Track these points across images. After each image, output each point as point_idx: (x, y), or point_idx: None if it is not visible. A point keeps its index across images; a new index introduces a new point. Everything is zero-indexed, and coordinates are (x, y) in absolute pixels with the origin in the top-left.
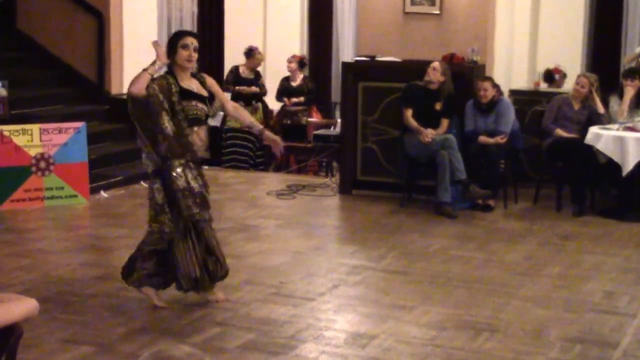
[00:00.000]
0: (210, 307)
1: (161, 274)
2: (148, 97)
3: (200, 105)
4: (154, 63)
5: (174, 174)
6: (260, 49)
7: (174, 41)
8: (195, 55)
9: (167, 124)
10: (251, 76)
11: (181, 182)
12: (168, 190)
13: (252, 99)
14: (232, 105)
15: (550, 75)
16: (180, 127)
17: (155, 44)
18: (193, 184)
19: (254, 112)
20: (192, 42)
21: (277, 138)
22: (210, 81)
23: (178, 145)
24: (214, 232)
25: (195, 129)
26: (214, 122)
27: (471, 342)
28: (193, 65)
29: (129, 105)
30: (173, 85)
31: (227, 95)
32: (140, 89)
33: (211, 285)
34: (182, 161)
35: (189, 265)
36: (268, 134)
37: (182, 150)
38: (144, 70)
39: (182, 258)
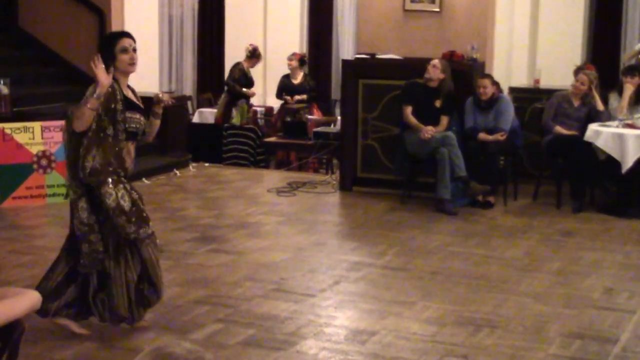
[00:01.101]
0: (211, 304)
1: (78, 303)
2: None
3: (142, 119)
4: (94, 92)
5: (103, 191)
6: (261, 46)
7: (109, 46)
8: (136, 57)
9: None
10: (250, 74)
11: (111, 201)
12: (97, 208)
13: (239, 98)
14: None
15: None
16: (117, 140)
17: (93, 62)
18: (122, 202)
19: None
20: (130, 44)
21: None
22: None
23: (106, 163)
24: (155, 248)
25: (130, 143)
26: (205, 119)
27: (471, 338)
28: (134, 70)
29: (65, 134)
30: (118, 92)
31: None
32: (85, 126)
33: (143, 314)
34: (114, 177)
35: (122, 301)
36: (156, 108)
37: (112, 168)
38: (85, 104)
39: (116, 291)
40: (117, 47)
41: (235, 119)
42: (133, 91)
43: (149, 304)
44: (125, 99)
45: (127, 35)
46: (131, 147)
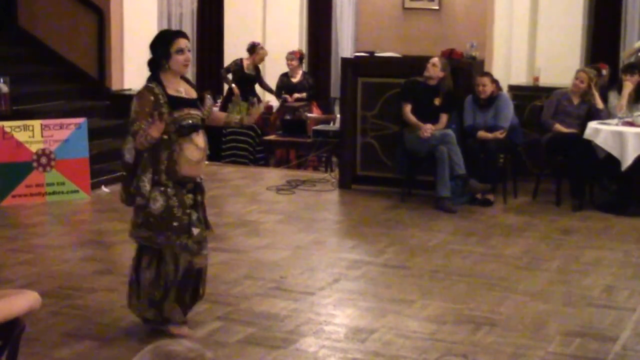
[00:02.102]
0: (210, 302)
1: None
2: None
3: (193, 111)
4: (143, 135)
5: (147, 196)
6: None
7: (166, 44)
8: (190, 57)
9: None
10: (253, 72)
11: (139, 200)
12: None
13: (248, 95)
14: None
15: (598, 70)
16: (169, 142)
17: (153, 117)
18: (152, 204)
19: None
20: (186, 44)
21: (255, 114)
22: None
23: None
24: (175, 262)
25: (193, 136)
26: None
27: (471, 336)
28: (187, 70)
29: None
30: (160, 96)
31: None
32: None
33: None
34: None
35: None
36: (250, 117)
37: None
38: (136, 139)
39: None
40: (174, 47)
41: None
42: (188, 81)
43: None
44: (170, 99)
45: (184, 35)
46: (197, 138)
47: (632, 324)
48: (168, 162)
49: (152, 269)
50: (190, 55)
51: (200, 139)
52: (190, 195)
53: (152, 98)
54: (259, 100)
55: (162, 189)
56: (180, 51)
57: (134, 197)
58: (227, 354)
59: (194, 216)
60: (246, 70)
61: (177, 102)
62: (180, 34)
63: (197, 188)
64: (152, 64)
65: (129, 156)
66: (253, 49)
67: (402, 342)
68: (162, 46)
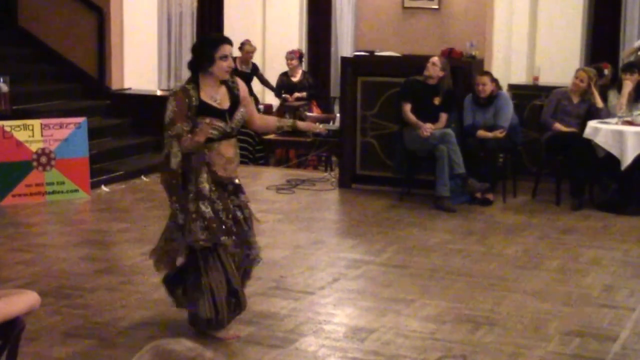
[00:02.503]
0: None
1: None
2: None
3: (216, 122)
4: (189, 139)
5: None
6: (259, 44)
7: (211, 49)
8: (232, 64)
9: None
10: (247, 70)
11: (191, 206)
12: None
13: None
14: (258, 117)
15: (600, 70)
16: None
17: (202, 130)
18: (204, 208)
19: None
20: (230, 51)
21: (309, 124)
22: (243, 87)
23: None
24: (232, 260)
25: (215, 145)
26: None
27: (470, 335)
28: (228, 76)
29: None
30: (194, 99)
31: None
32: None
33: (226, 324)
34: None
35: (200, 305)
36: (300, 124)
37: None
38: (182, 143)
39: (194, 295)
40: (219, 52)
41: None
42: (229, 87)
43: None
44: (200, 104)
45: (229, 41)
46: (221, 147)
47: (631, 323)
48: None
49: (215, 270)
50: (232, 62)
51: (222, 147)
52: (232, 197)
53: (186, 100)
54: (257, 102)
55: (202, 194)
56: (225, 57)
57: (191, 201)
58: (226, 354)
59: (239, 215)
60: (238, 68)
61: (205, 109)
62: (225, 40)
63: (238, 190)
64: (192, 65)
65: (175, 160)
66: (241, 46)
67: (402, 341)
68: (207, 51)
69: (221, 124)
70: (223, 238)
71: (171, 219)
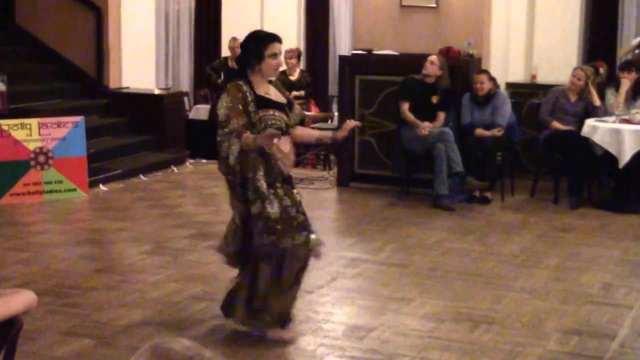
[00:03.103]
0: (209, 300)
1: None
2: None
3: (278, 114)
4: (253, 137)
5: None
6: None
7: (260, 47)
8: (282, 62)
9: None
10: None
11: (255, 207)
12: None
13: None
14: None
15: (595, 69)
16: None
17: (272, 136)
18: (269, 208)
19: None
20: (280, 49)
21: (346, 127)
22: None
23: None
24: (298, 262)
25: (275, 140)
26: (202, 115)
27: (469, 334)
28: (277, 75)
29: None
30: (248, 94)
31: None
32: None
33: (270, 325)
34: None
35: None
36: (339, 134)
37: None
38: (243, 141)
39: (240, 289)
40: (268, 50)
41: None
42: (278, 87)
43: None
44: (257, 98)
45: (279, 39)
46: (282, 144)
47: (629, 321)
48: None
49: (268, 275)
50: (282, 60)
51: (282, 142)
52: (295, 191)
53: (239, 95)
54: None
55: (273, 190)
56: (274, 55)
57: (253, 202)
58: (225, 353)
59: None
60: (230, 66)
61: (264, 102)
62: (275, 37)
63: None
64: (242, 62)
65: (232, 158)
66: (230, 43)
67: (401, 340)
68: (256, 48)
69: (284, 116)
70: (288, 240)
71: (231, 221)
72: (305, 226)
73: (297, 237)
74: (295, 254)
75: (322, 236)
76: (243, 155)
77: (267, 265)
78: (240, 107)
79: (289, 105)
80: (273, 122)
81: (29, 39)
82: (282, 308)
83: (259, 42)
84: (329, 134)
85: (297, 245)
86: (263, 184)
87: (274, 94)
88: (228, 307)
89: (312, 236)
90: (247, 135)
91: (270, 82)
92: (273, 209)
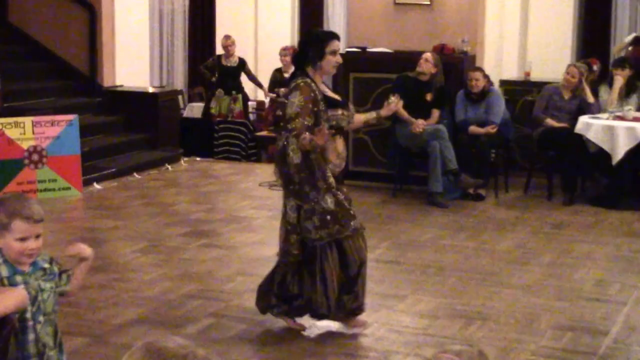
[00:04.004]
0: (203, 298)
1: (289, 300)
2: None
3: (343, 113)
4: (310, 139)
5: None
6: (251, 41)
7: (321, 44)
8: (341, 60)
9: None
10: (234, 65)
11: (311, 203)
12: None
13: (232, 90)
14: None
15: (589, 66)
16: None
17: (322, 132)
18: (329, 201)
19: (233, 102)
20: (339, 46)
21: (389, 105)
22: None
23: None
24: (359, 251)
25: (337, 138)
26: (197, 114)
27: (463, 330)
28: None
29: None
30: (317, 93)
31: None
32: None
33: (345, 316)
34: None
35: (317, 296)
36: (383, 112)
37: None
38: (304, 141)
39: (310, 287)
40: (329, 48)
41: (214, 109)
42: (327, 87)
43: (345, 308)
44: (325, 98)
45: (338, 37)
46: (340, 140)
47: (623, 317)
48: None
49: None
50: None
51: (338, 142)
52: (344, 188)
53: (312, 94)
54: (246, 98)
55: (328, 186)
56: (334, 53)
57: (310, 197)
58: (219, 351)
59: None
60: (224, 63)
61: (332, 102)
62: (335, 35)
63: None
64: (300, 60)
65: (295, 157)
66: (224, 41)
67: (395, 337)
68: (317, 46)
69: (346, 114)
70: (345, 232)
71: (283, 221)
72: (356, 218)
73: (351, 226)
74: (352, 243)
75: None
76: (304, 153)
77: (327, 258)
78: (311, 107)
79: (345, 103)
80: (338, 121)
81: (22, 38)
82: (354, 301)
83: (321, 40)
84: (373, 114)
85: (352, 236)
86: (321, 181)
87: (330, 92)
88: (310, 307)
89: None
90: (304, 136)
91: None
92: (328, 204)
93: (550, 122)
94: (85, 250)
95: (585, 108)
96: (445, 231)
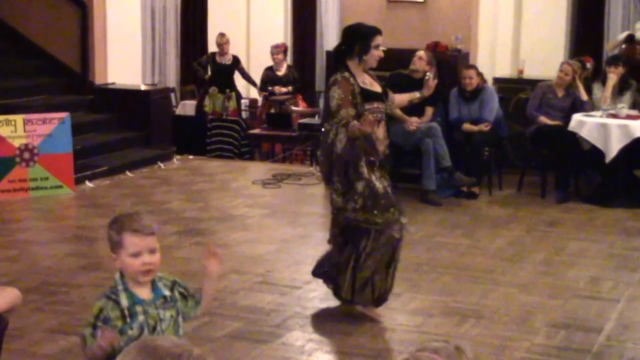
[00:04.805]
0: None
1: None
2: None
3: (379, 106)
4: (355, 125)
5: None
6: (244, 38)
7: (366, 39)
8: (382, 53)
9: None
10: (228, 62)
11: (358, 186)
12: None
13: (225, 88)
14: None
15: (582, 64)
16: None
17: (369, 120)
18: (378, 184)
19: (227, 100)
20: (381, 41)
21: (431, 82)
22: None
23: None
24: (393, 240)
25: (375, 128)
26: (189, 111)
27: (457, 328)
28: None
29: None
30: (355, 86)
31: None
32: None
33: (371, 303)
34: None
35: (345, 278)
36: (427, 92)
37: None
38: (350, 129)
39: (341, 269)
40: (373, 42)
41: (207, 106)
42: (371, 76)
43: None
44: (362, 91)
45: (381, 32)
46: (378, 131)
47: (616, 314)
48: (373, 146)
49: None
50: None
51: (379, 129)
52: (386, 175)
53: (350, 87)
54: (239, 96)
55: (373, 173)
56: (377, 47)
57: (355, 183)
58: (213, 349)
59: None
60: (218, 61)
61: (369, 95)
62: (379, 30)
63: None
64: (342, 54)
65: (340, 146)
66: (218, 39)
67: (389, 335)
68: (362, 40)
69: (382, 106)
70: (387, 216)
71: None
72: (395, 205)
73: (392, 215)
74: (391, 229)
75: (310, 231)
76: (350, 142)
77: (365, 241)
78: (350, 98)
79: (385, 93)
80: (376, 113)
81: (13, 35)
82: (383, 286)
83: (366, 35)
84: (417, 94)
85: (392, 221)
86: (365, 168)
87: (370, 83)
88: (334, 284)
89: (403, 219)
90: (353, 124)
91: (367, 73)
92: (374, 189)
93: (543, 119)
94: (214, 265)
95: (578, 106)
96: (438, 229)
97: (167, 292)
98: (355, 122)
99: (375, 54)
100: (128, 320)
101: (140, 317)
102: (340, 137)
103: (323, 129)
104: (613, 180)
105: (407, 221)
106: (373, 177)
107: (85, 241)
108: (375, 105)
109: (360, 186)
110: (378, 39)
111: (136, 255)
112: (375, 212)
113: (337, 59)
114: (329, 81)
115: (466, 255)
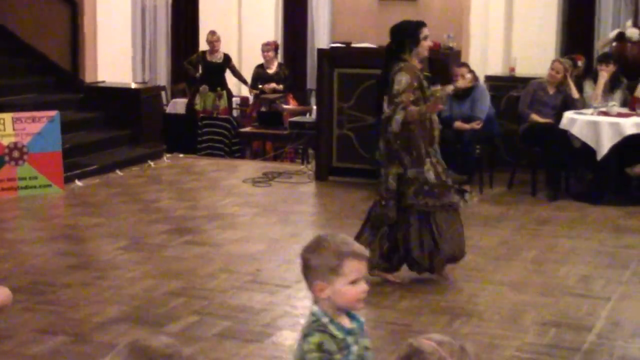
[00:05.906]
0: (186, 296)
1: (389, 259)
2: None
3: (439, 89)
4: (423, 109)
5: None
6: (235, 36)
7: (415, 32)
8: (431, 44)
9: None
10: (219, 61)
11: (411, 171)
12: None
13: (216, 86)
14: None
15: (574, 62)
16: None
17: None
18: (426, 174)
19: (218, 98)
20: (428, 32)
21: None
22: None
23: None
24: (449, 221)
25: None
26: (180, 110)
27: (447, 327)
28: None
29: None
30: (420, 73)
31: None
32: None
33: (440, 267)
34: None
35: (418, 249)
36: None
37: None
38: (416, 112)
39: (413, 242)
40: (422, 34)
41: (199, 105)
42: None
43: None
44: (426, 77)
45: (426, 24)
46: (433, 117)
47: (607, 312)
48: (428, 131)
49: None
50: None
51: (433, 115)
52: (441, 160)
53: (417, 74)
54: (230, 95)
55: (428, 159)
56: (426, 38)
57: (411, 166)
58: (203, 348)
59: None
60: (209, 59)
61: (429, 81)
62: (423, 23)
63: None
64: (397, 49)
65: (396, 125)
66: (209, 37)
67: (379, 333)
68: (412, 33)
69: (442, 88)
70: (444, 200)
71: (381, 188)
72: (450, 190)
73: (448, 198)
74: (445, 210)
75: (300, 230)
76: (406, 125)
77: (420, 221)
78: (416, 84)
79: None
80: (437, 94)
81: (2, 33)
82: (450, 249)
83: (415, 28)
84: (449, 87)
85: (447, 204)
86: (422, 151)
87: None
88: (405, 262)
89: (467, 195)
90: (412, 109)
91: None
92: (430, 176)
93: (535, 117)
94: None
95: (569, 103)
96: None
97: (362, 318)
98: (413, 107)
99: (425, 45)
100: (345, 352)
101: (354, 348)
102: (397, 118)
103: (383, 115)
104: (604, 178)
105: (469, 190)
106: (428, 162)
107: (75, 240)
108: (439, 87)
109: (413, 172)
110: (425, 31)
111: (355, 282)
112: (436, 193)
113: (391, 58)
114: (394, 69)
115: None
